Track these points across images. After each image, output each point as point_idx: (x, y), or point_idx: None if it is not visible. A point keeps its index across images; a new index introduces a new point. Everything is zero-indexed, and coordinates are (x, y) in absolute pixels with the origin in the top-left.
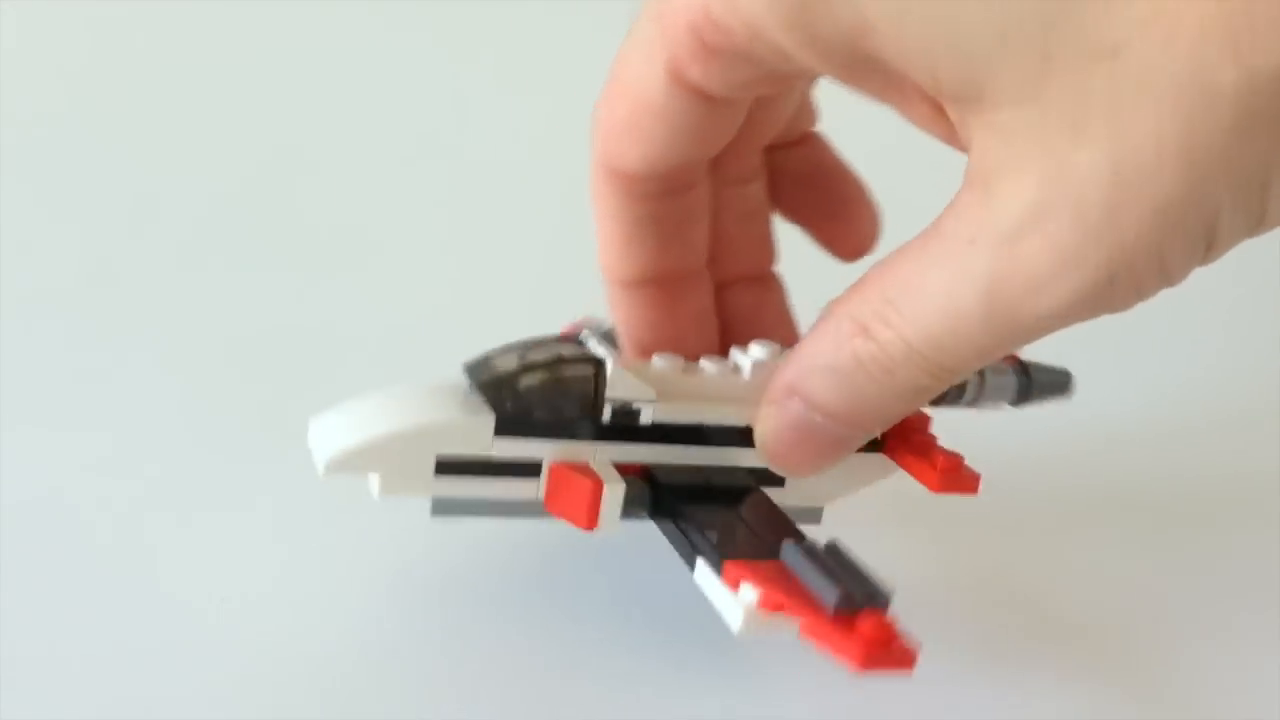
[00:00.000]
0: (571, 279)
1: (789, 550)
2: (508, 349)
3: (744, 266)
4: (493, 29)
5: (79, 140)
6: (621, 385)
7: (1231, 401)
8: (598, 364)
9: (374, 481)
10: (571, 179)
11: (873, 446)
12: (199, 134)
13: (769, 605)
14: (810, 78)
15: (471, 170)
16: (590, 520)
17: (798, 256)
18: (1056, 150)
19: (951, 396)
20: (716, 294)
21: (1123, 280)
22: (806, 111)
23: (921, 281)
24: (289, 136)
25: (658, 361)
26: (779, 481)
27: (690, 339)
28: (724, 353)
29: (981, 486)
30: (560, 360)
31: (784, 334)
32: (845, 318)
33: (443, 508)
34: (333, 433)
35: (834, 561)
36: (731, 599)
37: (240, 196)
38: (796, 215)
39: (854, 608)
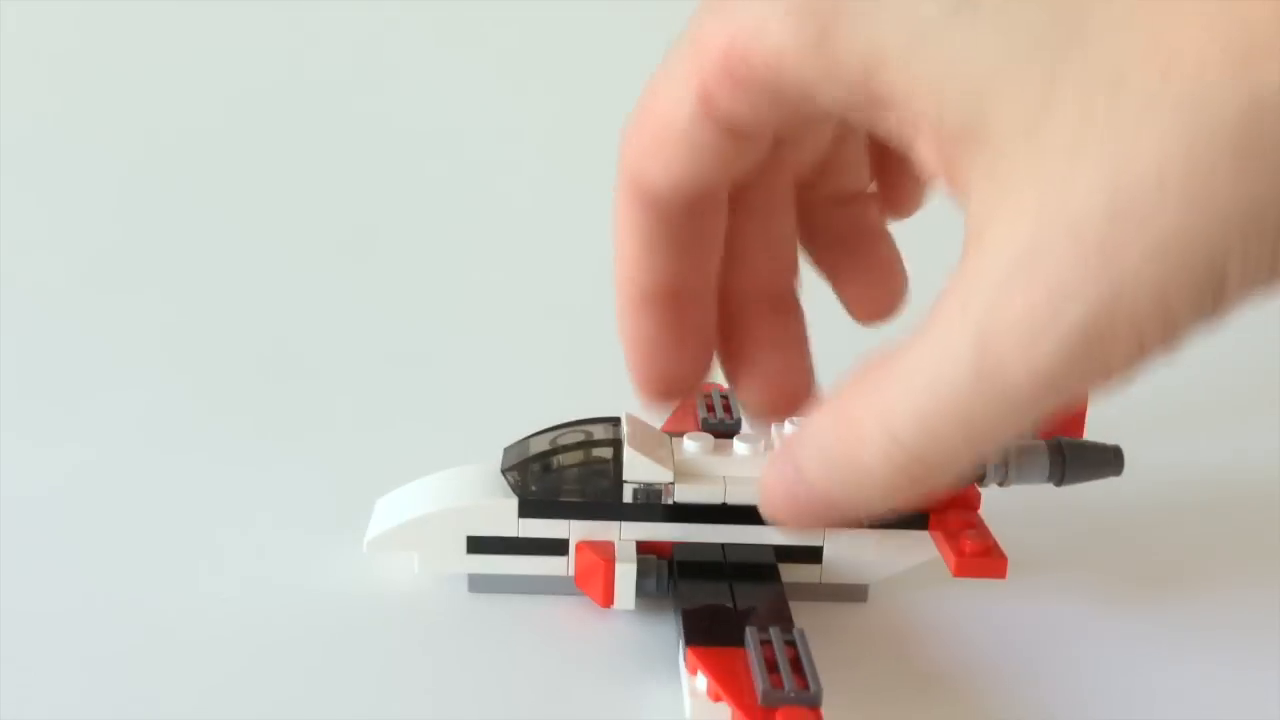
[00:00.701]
0: (572, 278)
1: (749, 638)
2: (545, 431)
3: (761, 290)
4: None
5: (79, 140)
6: (639, 468)
7: None
8: (617, 447)
9: (415, 559)
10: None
11: (917, 525)
12: (199, 134)
13: (713, 695)
14: (834, 118)
15: (470, 169)
16: (607, 598)
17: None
18: (1053, 184)
19: (978, 476)
20: (733, 316)
21: (1123, 326)
22: (859, 170)
23: (914, 363)
24: (289, 137)
25: (688, 442)
26: (816, 559)
27: (688, 355)
28: (730, 369)
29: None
30: (583, 445)
31: (792, 360)
32: (834, 400)
33: (478, 584)
34: (382, 515)
35: (784, 652)
36: (689, 684)
37: (240, 196)
38: (825, 267)
39: (779, 703)
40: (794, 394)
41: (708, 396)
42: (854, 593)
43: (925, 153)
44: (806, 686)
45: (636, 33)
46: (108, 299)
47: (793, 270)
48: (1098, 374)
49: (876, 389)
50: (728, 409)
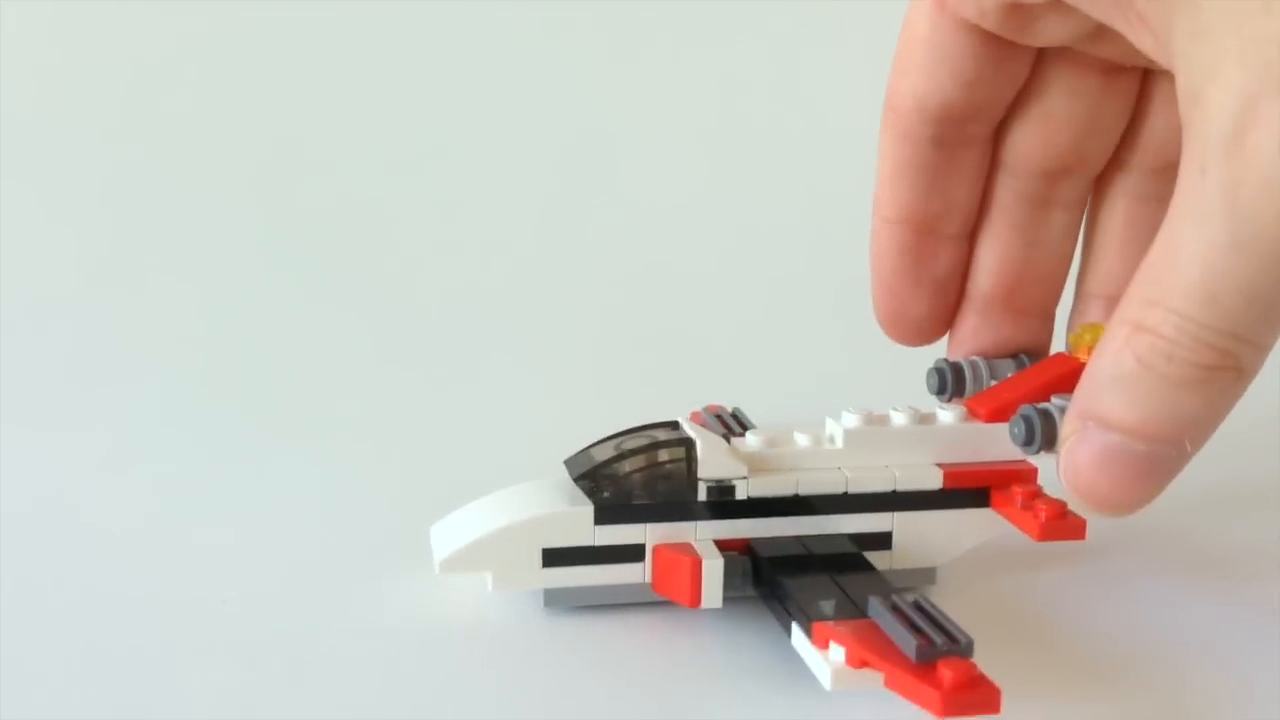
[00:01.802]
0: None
1: (875, 607)
2: (605, 440)
3: (1022, 291)
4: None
5: (79, 140)
6: (713, 464)
7: None
8: (689, 446)
9: (488, 578)
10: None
11: (979, 503)
12: (199, 134)
13: (854, 661)
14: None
15: (467, 168)
16: (694, 598)
17: None
18: (1252, 31)
19: (1049, 440)
20: (997, 310)
21: None
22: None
23: (1173, 243)
24: (290, 137)
25: (750, 438)
26: (885, 545)
27: (924, 294)
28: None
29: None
30: (653, 446)
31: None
32: (1118, 323)
33: (555, 599)
34: (447, 535)
35: (918, 615)
36: (821, 658)
37: (240, 196)
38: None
39: (934, 656)
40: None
41: (719, 417)
42: (923, 576)
43: (1135, 33)
44: (956, 640)
45: (661, 30)
46: (107, 300)
47: (1054, 286)
48: None
49: (1153, 282)
50: (742, 425)
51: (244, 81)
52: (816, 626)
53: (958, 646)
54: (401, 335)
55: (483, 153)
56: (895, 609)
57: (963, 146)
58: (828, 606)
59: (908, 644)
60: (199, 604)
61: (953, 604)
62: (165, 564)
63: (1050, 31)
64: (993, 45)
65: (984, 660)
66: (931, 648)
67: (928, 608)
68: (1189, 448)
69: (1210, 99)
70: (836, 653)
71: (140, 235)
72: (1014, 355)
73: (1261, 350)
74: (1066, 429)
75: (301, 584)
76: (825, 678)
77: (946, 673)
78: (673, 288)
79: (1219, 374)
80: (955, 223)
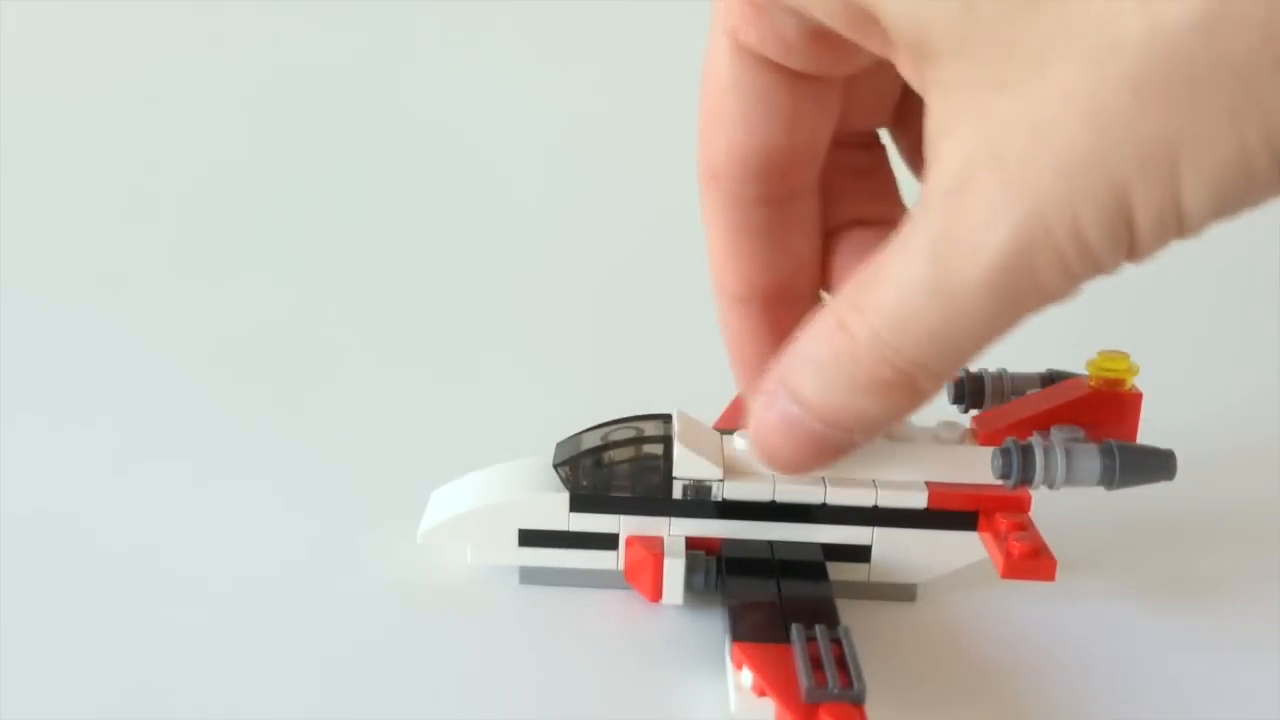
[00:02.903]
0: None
1: (794, 635)
2: (596, 428)
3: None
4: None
5: (79, 140)
6: (689, 464)
7: None
8: (667, 443)
9: (467, 550)
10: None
11: (966, 526)
12: (200, 134)
13: (757, 690)
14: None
15: (465, 167)
16: (655, 593)
17: None
18: (985, 103)
19: (1027, 477)
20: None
21: (1042, 247)
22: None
23: (885, 267)
24: (290, 136)
25: (739, 439)
26: (864, 558)
27: None
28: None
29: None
30: (632, 441)
31: None
32: (829, 312)
33: (529, 576)
34: (437, 507)
35: (831, 650)
36: (734, 679)
37: (240, 197)
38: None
39: (822, 699)
40: None
41: None
42: (902, 592)
43: (901, 65)
44: (850, 684)
45: (661, 30)
46: (107, 300)
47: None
48: (1033, 291)
49: (863, 294)
50: None
51: (244, 81)
52: (736, 647)
53: (849, 693)
54: (405, 329)
55: (485, 149)
56: (811, 640)
57: (795, 199)
58: (755, 628)
59: (802, 680)
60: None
61: (928, 623)
62: (164, 563)
63: (859, 59)
64: (802, 81)
65: (943, 689)
66: (821, 690)
67: (844, 644)
68: (858, 439)
69: (942, 151)
70: (746, 677)
71: (140, 235)
72: (1042, 372)
73: (940, 378)
74: (765, 385)
75: (297, 557)
76: (731, 701)
77: (827, 719)
78: (677, 287)
79: (897, 390)
80: (807, 280)
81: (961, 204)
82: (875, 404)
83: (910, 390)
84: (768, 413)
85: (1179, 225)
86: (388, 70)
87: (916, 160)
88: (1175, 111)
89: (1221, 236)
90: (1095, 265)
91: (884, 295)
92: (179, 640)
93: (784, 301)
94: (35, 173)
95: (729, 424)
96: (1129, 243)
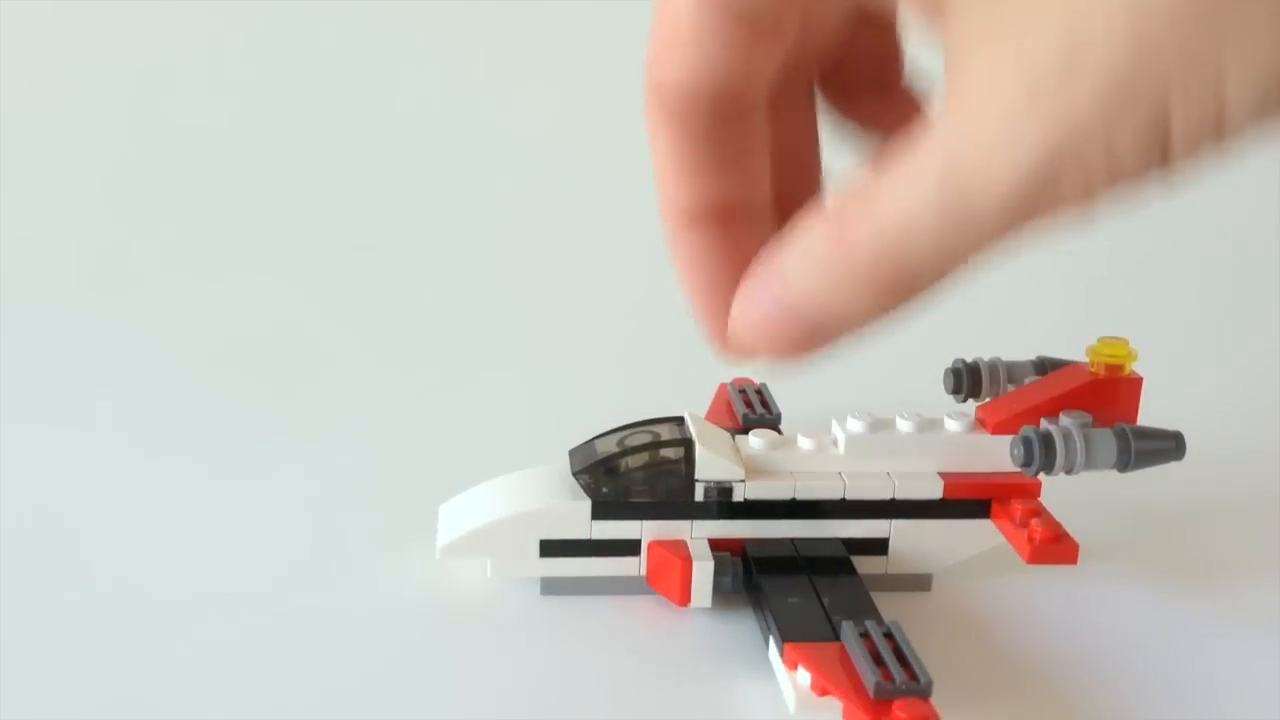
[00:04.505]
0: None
1: (846, 633)
2: (609, 433)
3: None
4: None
5: (79, 140)
6: (711, 466)
7: None
8: (689, 446)
9: (487, 564)
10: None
11: (979, 514)
12: (200, 134)
13: (818, 689)
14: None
15: (464, 166)
16: (683, 597)
17: None
18: (1012, 32)
19: (1048, 463)
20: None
21: (1068, 162)
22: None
23: (896, 178)
24: (290, 136)
25: (754, 439)
26: (882, 551)
27: None
28: None
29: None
30: (653, 445)
31: None
32: (832, 208)
33: (551, 587)
34: (452, 518)
35: (887, 645)
36: (789, 680)
37: (242, 198)
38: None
39: (892, 695)
40: None
41: (743, 392)
42: (918, 582)
43: (914, 16)
44: (916, 678)
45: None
46: (107, 299)
47: (813, 177)
48: (1047, 206)
49: (868, 198)
50: (765, 404)
51: (244, 81)
52: (788, 647)
53: (917, 686)
54: (410, 328)
55: (491, 146)
56: (865, 636)
57: (747, 116)
58: (802, 627)
59: (868, 678)
60: (197, 602)
61: (944, 611)
62: (164, 561)
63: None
64: (758, 20)
65: (963, 677)
66: (890, 685)
67: (898, 639)
68: (844, 330)
69: (961, 81)
70: (803, 677)
71: (139, 235)
72: (1034, 360)
73: (939, 282)
74: (758, 266)
75: (309, 568)
76: (790, 701)
77: (900, 715)
78: (669, 289)
79: (892, 290)
80: (762, 194)
81: (977, 125)
82: (867, 299)
83: (906, 290)
84: (752, 286)
85: (1217, 128)
86: (387, 70)
87: (846, 101)
88: (1220, 10)
89: (1218, 221)
90: (1117, 183)
91: (894, 205)
92: (180, 643)
93: (737, 220)
94: (35, 173)
95: (716, 419)
96: (1162, 161)
